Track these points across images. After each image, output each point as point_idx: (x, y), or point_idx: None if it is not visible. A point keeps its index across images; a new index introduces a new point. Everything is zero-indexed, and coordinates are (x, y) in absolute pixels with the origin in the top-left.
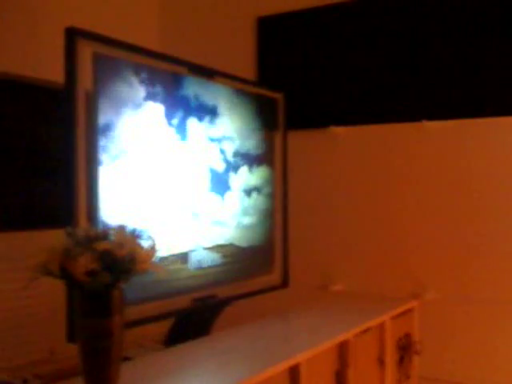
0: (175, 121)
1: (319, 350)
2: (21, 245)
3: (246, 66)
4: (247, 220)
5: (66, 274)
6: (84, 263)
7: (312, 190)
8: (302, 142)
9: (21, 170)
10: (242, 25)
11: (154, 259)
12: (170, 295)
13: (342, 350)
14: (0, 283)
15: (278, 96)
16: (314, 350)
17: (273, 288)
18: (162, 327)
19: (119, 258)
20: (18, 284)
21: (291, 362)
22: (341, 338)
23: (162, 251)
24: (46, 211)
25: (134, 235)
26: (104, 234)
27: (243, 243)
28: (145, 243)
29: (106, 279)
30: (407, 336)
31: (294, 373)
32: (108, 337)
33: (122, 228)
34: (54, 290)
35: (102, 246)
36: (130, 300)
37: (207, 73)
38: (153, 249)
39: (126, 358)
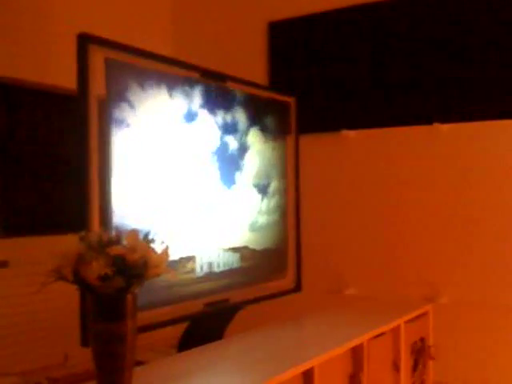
0: (188, 124)
1: (333, 355)
2: (35, 250)
3: (258, 71)
4: (260, 223)
5: (78, 279)
6: (97, 268)
7: (324, 193)
8: (314, 145)
9: (35, 175)
10: (253, 30)
11: (166, 263)
12: (182, 300)
13: (356, 354)
14: (15, 288)
15: (291, 100)
16: (327, 355)
17: (286, 292)
18: (176, 331)
19: (132, 263)
20: (33, 288)
21: (305, 366)
22: (354, 342)
23: (175, 255)
24: (60, 216)
25: (147, 239)
26: (117, 238)
27: (257, 246)
28: (157, 247)
29: (119, 284)
30: (422, 340)
31: (307, 377)
32: (121, 341)
33: (134, 232)
34: (69, 295)
35: (114, 250)
36: (142, 304)
37: (219, 78)
38: (165, 253)
39: (139, 362)
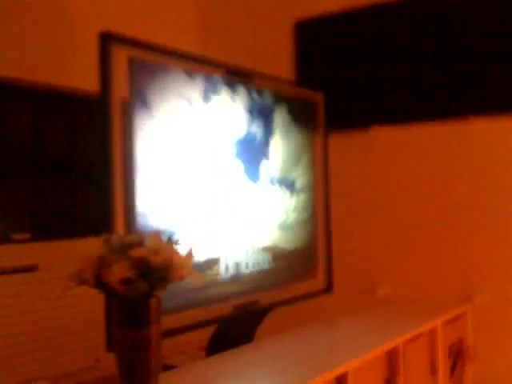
0: (213, 123)
1: (367, 359)
2: (64, 253)
3: (284, 69)
4: (289, 221)
5: (100, 283)
6: (119, 271)
7: (355, 191)
8: (343, 143)
9: (64, 179)
10: (280, 28)
11: (191, 266)
12: (210, 302)
13: (391, 357)
14: (45, 291)
15: (318, 96)
16: (361, 359)
17: (316, 293)
18: (206, 332)
19: (155, 266)
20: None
21: (338, 371)
22: (389, 345)
23: (201, 255)
24: (89, 220)
25: (171, 241)
26: (140, 240)
27: (286, 245)
28: (182, 250)
29: (142, 287)
30: (460, 342)
31: (341, 382)
32: (145, 347)
33: (157, 234)
34: (99, 297)
35: (137, 253)
36: (169, 307)
37: (246, 75)
38: (189, 255)
39: (168, 367)
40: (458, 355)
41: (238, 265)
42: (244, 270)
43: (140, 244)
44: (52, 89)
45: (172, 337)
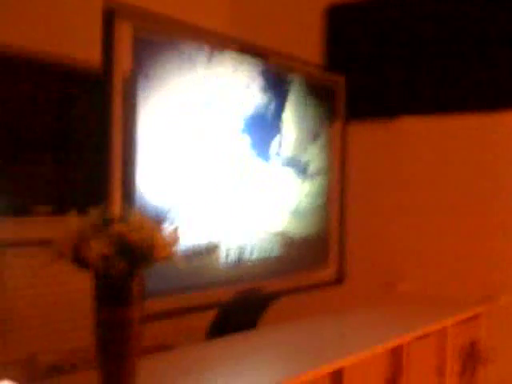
0: (222, 101)
1: (367, 355)
2: None
3: (315, 53)
4: (300, 207)
5: (78, 258)
6: (97, 247)
7: (377, 180)
8: (367, 130)
9: (84, 153)
10: (311, 13)
11: (173, 246)
12: (210, 286)
13: (395, 356)
14: (63, 265)
15: (339, 79)
16: (359, 355)
17: (326, 284)
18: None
19: (134, 244)
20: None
21: (334, 366)
22: (393, 343)
23: (203, 238)
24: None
25: (157, 220)
26: (122, 216)
27: (296, 232)
28: (171, 229)
29: (120, 265)
30: (472, 344)
31: (336, 378)
32: (124, 328)
33: (140, 210)
34: None
35: (115, 229)
36: (166, 288)
37: (261, 53)
38: (174, 235)
39: (168, 347)
40: (468, 358)
41: (241, 250)
42: (248, 256)
43: (122, 220)
44: (41, 60)
45: (172, 319)
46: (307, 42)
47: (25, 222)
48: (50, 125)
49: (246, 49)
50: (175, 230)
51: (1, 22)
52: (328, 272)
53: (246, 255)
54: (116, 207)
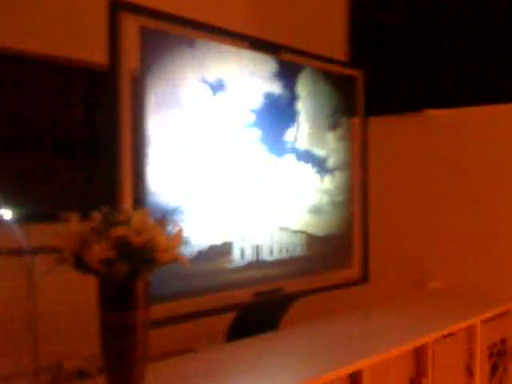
0: (231, 95)
1: (387, 356)
2: None
3: (337, 46)
4: (321, 204)
5: (80, 263)
6: (98, 251)
7: (402, 176)
8: (394, 127)
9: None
10: (333, 4)
11: (176, 249)
12: (228, 288)
13: (419, 356)
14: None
15: (357, 74)
16: (379, 356)
17: (350, 283)
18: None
19: (137, 246)
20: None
21: (351, 368)
22: (417, 342)
23: (218, 238)
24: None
25: (162, 221)
26: (125, 219)
27: (317, 231)
28: (179, 230)
29: (123, 269)
30: (503, 341)
31: (355, 379)
32: (130, 333)
33: (143, 212)
34: None
35: (116, 232)
36: (181, 292)
37: (272, 48)
38: (177, 237)
39: (189, 350)
40: (500, 356)
41: (260, 249)
42: (268, 256)
43: (124, 223)
44: (47, 58)
45: (190, 322)
46: (331, 41)
47: (52, 228)
48: (73, 130)
49: (258, 44)
50: (179, 231)
51: (5, 21)
52: (352, 271)
53: (266, 255)
54: (126, 209)
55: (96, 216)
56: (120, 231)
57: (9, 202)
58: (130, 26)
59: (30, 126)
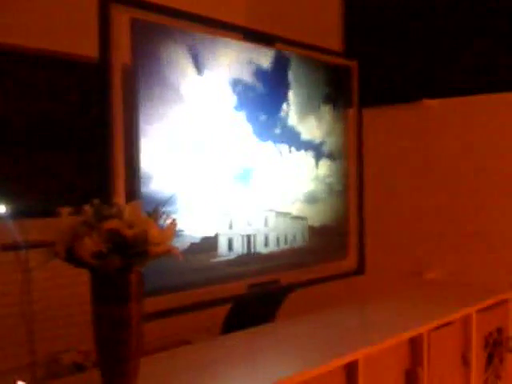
0: (223, 87)
1: (382, 347)
2: None
3: (332, 37)
4: (317, 195)
5: (72, 257)
6: (90, 244)
7: (398, 167)
8: (391, 117)
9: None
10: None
11: (169, 241)
12: (222, 280)
13: (414, 346)
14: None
15: (352, 64)
16: (375, 347)
17: (346, 274)
18: None
19: (128, 239)
20: None
21: (347, 358)
22: (412, 332)
23: (210, 231)
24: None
25: (154, 213)
26: (118, 212)
27: (312, 222)
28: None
29: (115, 262)
30: (498, 331)
31: (351, 371)
32: (123, 326)
33: (136, 205)
34: None
35: (108, 224)
36: (174, 285)
37: (266, 39)
38: (170, 229)
39: (186, 342)
40: (495, 346)
41: (255, 241)
42: (263, 247)
43: (116, 216)
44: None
45: (186, 314)
46: (327, 30)
47: (47, 223)
48: (66, 124)
49: (252, 35)
50: (172, 224)
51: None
52: (348, 262)
53: (261, 247)
54: (118, 202)
55: (87, 209)
56: (112, 224)
57: (2, 197)
58: (121, 19)
59: (21, 121)
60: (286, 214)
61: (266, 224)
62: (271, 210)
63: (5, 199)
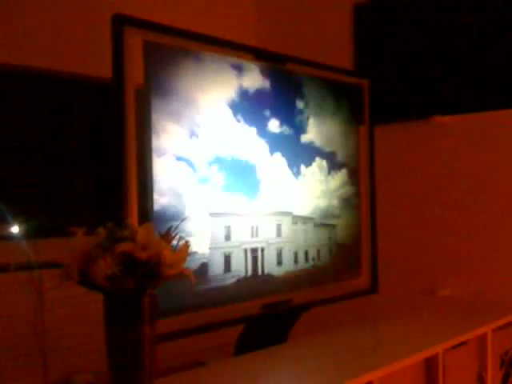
0: (241, 114)
1: (396, 367)
2: None
3: (342, 56)
4: (328, 212)
5: (86, 280)
6: (103, 267)
7: (410, 184)
8: (401, 134)
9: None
10: (338, 13)
11: (182, 263)
12: (234, 300)
13: (430, 366)
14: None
15: (363, 82)
16: (389, 367)
17: (359, 293)
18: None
19: (142, 262)
20: None
21: (361, 380)
22: (427, 352)
23: (223, 251)
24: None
25: (167, 235)
26: (131, 234)
27: (325, 240)
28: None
29: (128, 285)
30: None
31: None
32: (137, 348)
33: (148, 227)
34: None
35: (121, 247)
36: (186, 305)
37: (278, 59)
38: (183, 251)
39: (200, 363)
40: (511, 365)
41: (268, 260)
42: (275, 266)
43: (129, 238)
44: (53, 73)
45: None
46: (338, 50)
47: (60, 242)
48: (80, 144)
49: (263, 55)
50: (185, 246)
51: (11, 37)
52: (361, 281)
53: (274, 265)
54: (131, 223)
55: (101, 231)
56: (125, 247)
57: (16, 218)
58: (134, 41)
59: (36, 141)
60: (298, 233)
61: (278, 234)
62: (289, 229)
63: (18, 219)
